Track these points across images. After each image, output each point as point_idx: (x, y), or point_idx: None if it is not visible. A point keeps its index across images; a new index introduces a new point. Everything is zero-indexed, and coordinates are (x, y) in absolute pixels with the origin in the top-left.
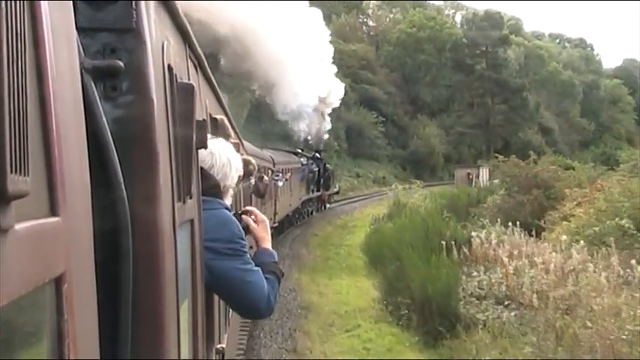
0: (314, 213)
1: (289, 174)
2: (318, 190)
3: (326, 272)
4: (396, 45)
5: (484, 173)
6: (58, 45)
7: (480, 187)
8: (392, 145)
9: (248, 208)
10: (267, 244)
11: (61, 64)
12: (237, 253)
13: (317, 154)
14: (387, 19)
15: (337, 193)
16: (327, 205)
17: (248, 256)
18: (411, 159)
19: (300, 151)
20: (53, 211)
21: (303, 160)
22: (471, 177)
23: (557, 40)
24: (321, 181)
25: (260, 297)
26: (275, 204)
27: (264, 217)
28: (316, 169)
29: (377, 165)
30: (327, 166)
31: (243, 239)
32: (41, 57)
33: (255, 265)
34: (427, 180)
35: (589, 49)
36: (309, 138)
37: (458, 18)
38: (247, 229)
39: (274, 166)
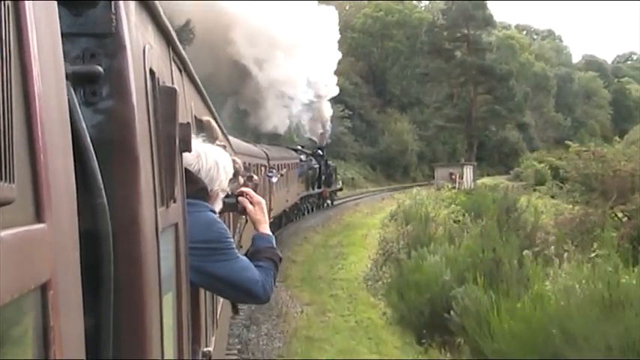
0: (314, 209)
1: (285, 170)
2: (319, 187)
3: (332, 344)
4: (361, 31)
5: (468, 173)
6: (43, 50)
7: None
8: (359, 142)
9: (243, 189)
10: (264, 226)
11: (47, 70)
12: (224, 252)
13: (319, 151)
14: (348, 5)
15: (341, 189)
16: (330, 203)
17: (235, 251)
18: (381, 158)
19: (300, 147)
20: (39, 218)
21: (303, 156)
22: (454, 177)
23: (525, 32)
24: (322, 177)
25: (253, 281)
26: (270, 200)
27: (261, 199)
28: (316, 165)
29: (344, 164)
30: (329, 162)
31: (229, 238)
32: (26, 62)
33: (253, 252)
34: (400, 181)
35: (558, 40)
36: (289, 130)
37: (423, 3)
38: (244, 211)
39: (269, 162)
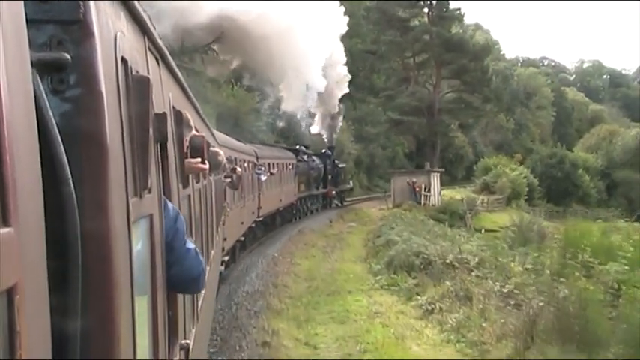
0: (319, 210)
1: (277, 169)
2: (324, 187)
3: None
4: None
5: (436, 183)
6: (8, 40)
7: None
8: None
9: None
10: None
11: (12, 62)
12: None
13: (328, 151)
14: None
15: (351, 189)
16: (340, 203)
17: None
18: None
19: (304, 148)
20: (5, 222)
21: (305, 157)
22: (417, 189)
23: None
24: (329, 177)
25: (197, 264)
26: (259, 198)
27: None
28: (321, 165)
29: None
30: (337, 162)
31: (182, 218)
32: None
33: None
34: None
35: (487, 34)
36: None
37: None
38: None
39: (257, 160)
